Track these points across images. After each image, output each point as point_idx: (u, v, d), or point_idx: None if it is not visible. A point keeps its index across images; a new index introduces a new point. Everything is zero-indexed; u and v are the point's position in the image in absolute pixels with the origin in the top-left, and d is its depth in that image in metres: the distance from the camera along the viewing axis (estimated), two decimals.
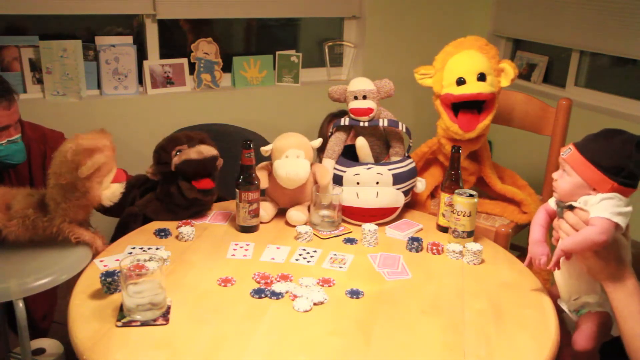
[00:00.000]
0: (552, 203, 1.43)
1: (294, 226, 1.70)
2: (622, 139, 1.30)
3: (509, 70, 1.95)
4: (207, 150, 1.70)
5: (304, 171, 1.69)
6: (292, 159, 1.69)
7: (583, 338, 1.36)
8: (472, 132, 1.93)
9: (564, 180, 1.35)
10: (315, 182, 1.77)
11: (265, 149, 1.73)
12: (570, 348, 1.45)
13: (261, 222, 1.74)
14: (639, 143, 1.29)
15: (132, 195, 1.85)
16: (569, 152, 1.34)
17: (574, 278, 1.40)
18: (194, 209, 1.76)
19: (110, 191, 1.56)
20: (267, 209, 1.74)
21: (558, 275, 1.44)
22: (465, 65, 1.92)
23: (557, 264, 1.38)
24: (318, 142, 1.76)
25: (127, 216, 1.79)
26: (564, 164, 1.35)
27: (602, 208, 1.26)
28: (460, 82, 1.91)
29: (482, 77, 1.90)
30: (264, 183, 1.75)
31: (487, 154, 2.09)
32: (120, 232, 1.76)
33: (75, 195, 1.51)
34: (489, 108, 1.94)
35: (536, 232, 1.45)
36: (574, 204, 1.33)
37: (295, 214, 1.71)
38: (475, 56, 1.93)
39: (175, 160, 1.69)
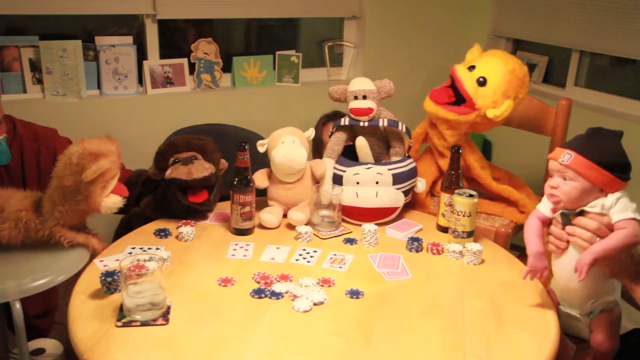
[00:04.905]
0: (544, 210, 1.39)
1: (294, 227, 1.70)
2: (611, 134, 1.32)
3: (503, 107, 1.89)
4: (198, 171, 1.67)
5: (301, 154, 1.71)
6: (288, 144, 1.71)
7: (608, 338, 1.36)
8: (430, 106, 1.92)
9: (570, 186, 1.31)
10: (314, 178, 1.78)
11: (261, 142, 1.74)
12: (584, 354, 1.45)
13: (270, 228, 1.72)
14: (621, 136, 1.32)
15: (135, 192, 1.84)
16: (570, 157, 1.31)
17: (597, 281, 1.37)
18: (191, 215, 1.74)
19: (111, 201, 1.54)
20: (275, 213, 1.73)
21: (572, 283, 1.38)
22: (487, 64, 1.93)
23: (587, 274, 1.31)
24: (310, 131, 1.80)
25: (131, 215, 1.79)
26: (566, 171, 1.31)
27: (622, 208, 1.26)
28: (471, 68, 1.93)
29: (482, 82, 1.89)
30: (263, 183, 1.75)
31: (474, 155, 2.05)
32: (123, 231, 1.76)
33: (75, 199, 1.50)
34: (466, 107, 1.91)
35: (536, 244, 1.38)
36: (587, 209, 1.30)
37: (296, 214, 1.71)
38: (500, 70, 1.91)
39: (168, 173, 1.69)
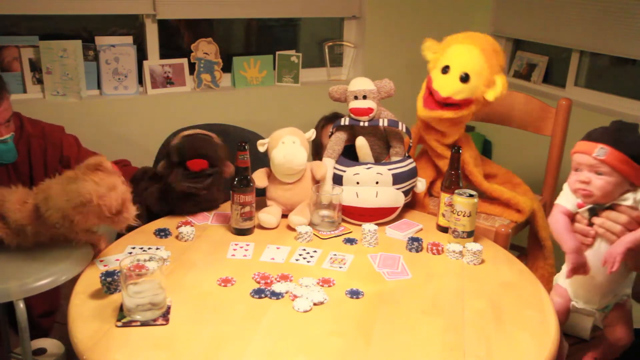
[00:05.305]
0: (568, 205, 1.39)
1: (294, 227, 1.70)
2: (635, 127, 1.32)
3: (499, 86, 1.88)
4: (201, 131, 1.74)
5: (301, 155, 1.71)
6: (288, 145, 1.71)
7: (626, 332, 1.37)
8: (426, 112, 1.90)
9: (604, 181, 1.30)
10: (314, 180, 1.77)
11: (261, 142, 1.74)
12: (591, 353, 1.45)
13: (268, 228, 1.72)
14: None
15: (140, 187, 1.85)
16: (605, 151, 1.29)
17: (622, 274, 1.38)
18: (189, 202, 1.75)
19: None
20: (274, 214, 1.73)
21: (599, 277, 1.37)
22: (458, 57, 1.90)
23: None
24: (311, 132, 1.80)
25: None
26: (600, 165, 1.30)
27: None
28: (445, 70, 1.90)
29: (465, 78, 1.86)
30: (263, 182, 1.75)
31: (470, 151, 2.03)
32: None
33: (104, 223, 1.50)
34: (460, 107, 1.90)
35: (572, 240, 1.37)
36: (620, 202, 1.30)
37: (297, 218, 1.70)
38: (473, 54, 1.89)
39: (173, 141, 1.73)
